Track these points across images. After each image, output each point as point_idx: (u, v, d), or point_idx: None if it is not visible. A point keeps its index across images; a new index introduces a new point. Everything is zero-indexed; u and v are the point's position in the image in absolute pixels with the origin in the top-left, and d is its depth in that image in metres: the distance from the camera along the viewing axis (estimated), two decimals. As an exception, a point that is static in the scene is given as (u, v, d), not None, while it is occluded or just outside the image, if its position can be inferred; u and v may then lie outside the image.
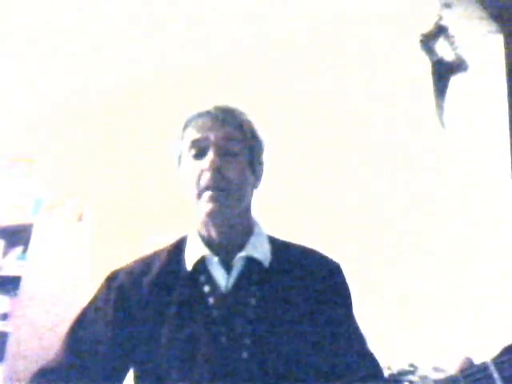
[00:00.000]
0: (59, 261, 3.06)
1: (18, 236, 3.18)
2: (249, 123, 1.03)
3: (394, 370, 1.90)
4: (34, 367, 0.99)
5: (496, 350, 0.72)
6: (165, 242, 1.08)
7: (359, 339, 1.03)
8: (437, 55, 2.05)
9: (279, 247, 1.04)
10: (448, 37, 2.01)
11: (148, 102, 3.31)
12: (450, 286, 2.08)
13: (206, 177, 0.95)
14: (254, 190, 1.05)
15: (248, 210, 1.04)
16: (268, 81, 2.86)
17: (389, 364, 1.96)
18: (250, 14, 2.68)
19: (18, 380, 2.58)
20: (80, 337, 0.99)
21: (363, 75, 2.55)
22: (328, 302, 1.00)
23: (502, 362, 0.72)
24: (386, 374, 1.88)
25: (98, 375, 0.95)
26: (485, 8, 1.96)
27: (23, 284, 2.91)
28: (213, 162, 0.95)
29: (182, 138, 1.02)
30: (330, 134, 2.58)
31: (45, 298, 2.90)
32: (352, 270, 2.34)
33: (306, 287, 0.99)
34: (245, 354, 0.91)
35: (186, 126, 1.02)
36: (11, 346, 2.80)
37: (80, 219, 3.24)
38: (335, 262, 1.07)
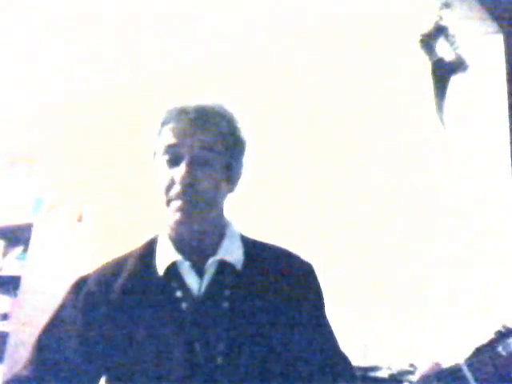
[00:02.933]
0: (59, 261, 3.06)
1: (18, 236, 3.18)
2: (230, 125, 0.98)
3: (394, 370, 1.90)
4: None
5: (468, 351, 0.73)
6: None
7: (332, 339, 1.03)
8: (437, 55, 2.05)
9: (252, 248, 1.02)
10: (448, 37, 2.01)
11: (148, 102, 3.30)
12: (450, 286, 2.08)
13: (177, 189, 0.92)
14: (230, 194, 1.02)
15: (220, 213, 1.01)
16: (268, 81, 2.86)
17: (389, 364, 1.96)
18: (249, 14, 2.68)
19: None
20: (48, 345, 0.96)
21: (363, 75, 2.54)
22: (301, 302, 0.98)
23: (475, 363, 0.72)
24: (386, 374, 1.88)
25: (68, 383, 0.92)
26: (485, 8, 1.96)
27: (23, 284, 2.91)
28: (184, 176, 0.91)
29: (159, 135, 0.98)
30: (330, 134, 2.58)
31: (45, 298, 2.90)
32: (352, 270, 2.34)
33: (279, 289, 0.97)
34: (219, 359, 0.89)
35: (163, 124, 0.98)
36: (11, 346, 2.80)
37: (80, 219, 3.24)
38: (307, 262, 1.06)
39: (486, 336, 0.86)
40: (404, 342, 2.09)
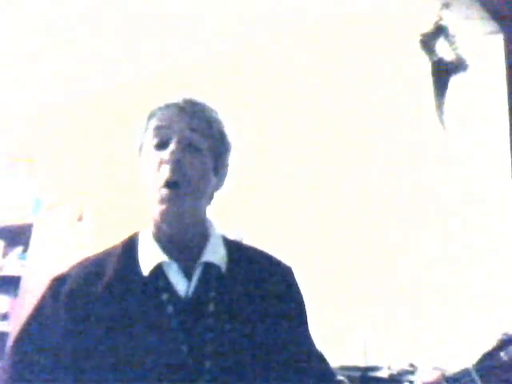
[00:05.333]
0: (59, 261, 3.06)
1: (18, 236, 3.18)
2: (218, 122, 0.98)
3: (394, 370, 1.90)
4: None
5: (477, 356, 0.73)
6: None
7: (311, 341, 1.03)
8: (437, 55, 2.05)
9: (234, 250, 1.00)
10: (448, 37, 2.01)
11: (148, 102, 3.30)
12: (451, 286, 2.08)
13: (165, 169, 0.89)
14: (215, 193, 1.00)
15: (205, 211, 0.99)
16: (267, 81, 2.86)
17: (389, 364, 1.96)
18: (249, 14, 2.68)
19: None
20: (26, 349, 0.91)
21: (363, 75, 2.55)
22: (282, 305, 0.98)
23: (484, 368, 0.73)
24: (386, 374, 1.88)
25: None
26: (485, 8, 1.96)
27: (23, 284, 2.91)
28: (173, 153, 0.89)
29: (146, 129, 0.97)
30: (329, 134, 2.58)
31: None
32: (352, 270, 2.34)
33: (261, 291, 0.97)
34: (207, 363, 0.87)
35: (150, 117, 0.98)
36: (11, 346, 2.80)
37: (80, 219, 3.24)
38: (287, 265, 1.06)
39: (492, 340, 0.87)
40: (404, 342, 2.09)
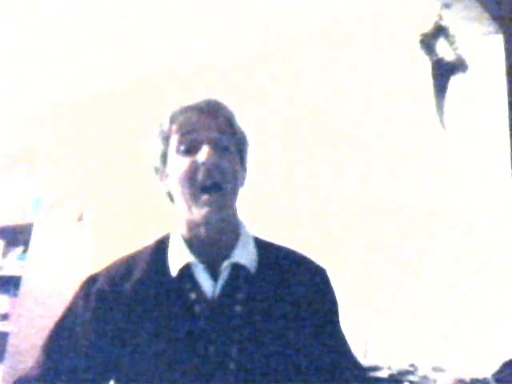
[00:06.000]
0: (59, 261, 3.07)
1: (18, 236, 3.19)
2: (234, 117, 0.98)
3: (394, 370, 1.90)
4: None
5: (496, 365, 0.73)
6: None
7: (345, 345, 1.01)
8: (437, 55, 2.05)
9: (265, 251, 1.00)
10: (448, 37, 2.01)
11: (148, 102, 3.31)
12: (451, 286, 2.08)
13: (201, 174, 0.89)
14: (241, 188, 0.99)
15: (235, 209, 0.98)
16: (267, 82, 2.86)
17: (389, 364, 1.96)
18: (248, 14, 2.68)
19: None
20: (59, 345, 0.93)
21: (363, 75, 2.55)
22: (314, 307, 0.97)
23: (502, 378, 0.73)
24: (386, 374, 1.88)
25: (77, 383, 0.90)
26: (485, 8, 1.96)
27: (23, 284, 2.91)
28: (208, 156, 0.88)
29: (169, 134, 0.95)
30: (329, 134, 2.58)
31: (45, 298, 2.90)
32: (352, 270, 2.34)
33: (292, 293, 0.95)
34: (232, 365, 0.87)
35: (172, 121, 0.96)
36: (11, 346, 2.80)
37: (80, 219, 3.24)
38: (321, 267, 1.04)
39: (509, 350, 0.86)
40: (404, 342, 2.09)
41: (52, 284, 2.97)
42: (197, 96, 0.99)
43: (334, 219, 2.45)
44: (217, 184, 0.89)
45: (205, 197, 0.89)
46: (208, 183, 0.89)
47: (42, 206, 3.18)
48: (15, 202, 3.34)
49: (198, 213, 0.90)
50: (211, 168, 0.89)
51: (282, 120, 2.74)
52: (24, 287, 2.91)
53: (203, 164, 0.89)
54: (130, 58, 3.16)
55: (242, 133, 0.99)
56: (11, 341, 2.81)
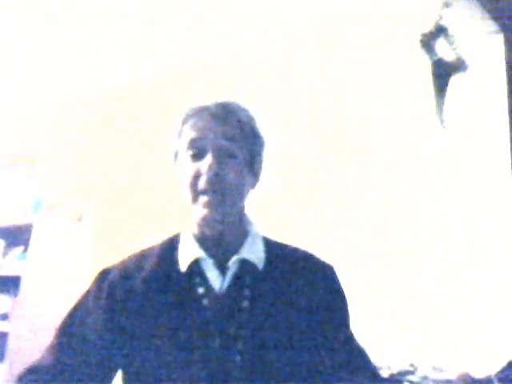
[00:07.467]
0: (59, 261, 3.06)
1: (18, 236, 3.18)
2: (249, 120, 1.00)
3: (394, 370, 1.90)
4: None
5: (500, 364, 0.73)
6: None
7: (351, 340, 1.03)
8: (437, 55, 2.05)
9: (273, 249, 1.03)
10: (448, 37, 2.01)
11: (148, 102, 3.31)
12: (451, 286, 2.08)
13: (204, 180, 0.93)
14: (251, 190, 1.03)
15: (243, 210, 1.02)
16: (267, 81, 2.86)
17: (389, 364, 1.96)
18: (248, 14, 2.68)
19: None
20: (71, 334, 0.96)
21: (363, 75, 2.55)
22: (321, 304, 0.99)
23: (506, 376, 0.73)
24: (386, 374, 1.88)
25: (87, 374, 0.93)
26: (485, 8, 1.96)
27: (23, 284, 2.91)
28: (211, 166, 0.92)
29: (180, 135, 1.00)
30: (329, 134, 2.58)
31: (45, 298, 2.90)
32: (352, 270, 2.34)
33: (299, 290, 0.98)
34: (238, 358, 0.89)
35: (184, 122, 0.99)
36: (11, 346, 2.80)
37: (80, 219, 3.24)
38: (329, 265, 1.06)
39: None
40: (404, 342, 2.09)
41: (52, 284, 2.97)
42: (201, 99, 1.01)
43: (332, 219, 2.45)
44: (214, 191, 0.93)
45: (204, 199, 0.93)
46: (208, 191, 0.93)
47: (42, 206, 3.18)
48: (15, 202, 3.33)
49: (198, 214, 0.94)
50: (212, 178, 0.92)
51: (280, 120, 2.74)
52: (24, 287, 2.91)
53: (204, 174, 0.93)
54: (131, 58, 3.15)
55: (255, 136, 1.01)
56: (11, 341, 2.81)
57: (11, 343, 2.81)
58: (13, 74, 3.42)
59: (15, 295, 2.95)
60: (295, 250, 1.07)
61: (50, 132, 3.78)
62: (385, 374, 1.88)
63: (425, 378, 1.82)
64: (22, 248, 3.11)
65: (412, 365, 1.94)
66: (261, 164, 1.04)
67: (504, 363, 0.79)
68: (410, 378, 1.82)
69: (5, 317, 2.97)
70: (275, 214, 2.57)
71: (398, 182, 2.33)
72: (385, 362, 1.98)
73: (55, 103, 3.75)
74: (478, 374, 0.82)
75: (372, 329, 2.18)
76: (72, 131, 3.66)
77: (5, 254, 3.21)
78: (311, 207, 2.53)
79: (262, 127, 1.03)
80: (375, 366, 1.04)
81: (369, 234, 2.34)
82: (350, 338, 1.03)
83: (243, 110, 1.01)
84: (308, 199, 2.55)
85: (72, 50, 3.08)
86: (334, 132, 2.57)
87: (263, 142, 1.04)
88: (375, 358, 2.11)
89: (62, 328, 0.98)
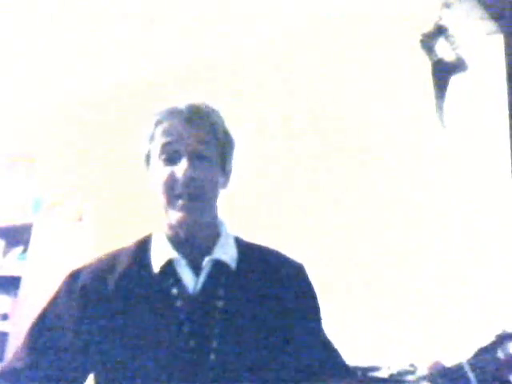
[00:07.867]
0: (59, 261, 3.06)
1: (18, 236, 3.18)
2: (221, 122, 1.01)
3: (394, 370, 1.90)
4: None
5: (471, 351, 0.74)
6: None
7: (323, 337, 1.04)
8: (437, 55, 2.05)
9: (245, 249, 1.04)
10: (448, 37, 2.01)
11: (148, 102, 3.30)
12: (451, 286, 2.08)
13: (179, 185, 0.93)
14: (223, 190, 1.04)
15: (216, 210, 1.03)
16: (267, 81, 2.86)
17: (389, 364, 1.96)
18: (248, 14, 2.68)
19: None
20: (41, 338, 0.96)
21: (363, 75, 2.54)
22: (293, 302, 1.00)
23: (477, 363, 0.73)
24: (386, 374, 1.88)
25: (58, 378, 0.92)
26: (485, 8, 1.96)
27: (23, 284, 2.91)
28: (186, 170, 0.93)
29: (152, 138, 1.00)
30: (329, 134, 2.58)
31: (45, 298, 2.90)
32: (352, 270, 2.34)
33: (271, 289, 0.99)
34: (212, 357, 0.90)
35: (156, 125, 0.99)
36: (11, 346, 2.80)
37: (80, 219, 3.24)
38: (299, 263, 1.08)
39: (487, 337, 0.87)
40: (404, 342, 2.09)
41: (52, 284, 2.96)
42: (186, 96, 1.01)
43: (332, 219, 2.45)
44: (190, 195, 0.93)
45: (179, 202, 0.93)
46: (184, 195, 0.94)
47: (42, 206, 3.17)
48: (15, 202, 3.33)
49: (174, 217, 0.94)
50: (188, 182, 0.93)
51: (280, 120, 2.74)
52: (24, 287, 2.91)
53: (179, 178, 0.94)
54: (131, 58, 3.15)
55: (226, 137, 1.01)
56: (11, 341, 2.81)
57: (11, 343, 2.81)
58: (13, 74, 3.41)
59: (15, 295, 2.95)
60: (266, 250, 1.08)
61: (50, 132, 3.78)
62: (385, 374, 1.88)
63: (425, 378, 1.82)
64: (21, 248, 3.11)
65: (412, 365, 1.94)
66: (231, 165, 1.05)
67: (475, 349, 0.79)
68: (410, 377, 1.82)
69: (5, 317, 2.97)
70: (275, 214, 2.57)
71: (398, 182, 2.33)
72: (385, 362, 1.98)
73: (55, 103, 3.74)
74: (449, 362, 0.83)
75: (372, 329, 2.18)
76: (72, 131, 3.66)
77: (5, 253, 3.21)
78: (311, 207, 2.53)
79: (232, 130, 1.04)
80: (346, 363, 1.05)
81: (369, 233, 2.34)
82: (321, 334, 1.04)
83: (214, 111, 1.01)
84: (308, 199, 2.55)
85: (72, 50, 3.08)
86: (334, 132, 2.57)
87: (234, 142, 1.04)
88: (375, 358, 2.12)
89: (31, 331, 0.98)
